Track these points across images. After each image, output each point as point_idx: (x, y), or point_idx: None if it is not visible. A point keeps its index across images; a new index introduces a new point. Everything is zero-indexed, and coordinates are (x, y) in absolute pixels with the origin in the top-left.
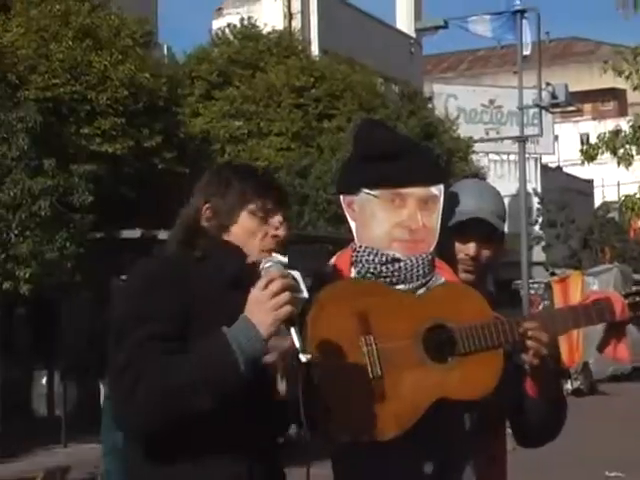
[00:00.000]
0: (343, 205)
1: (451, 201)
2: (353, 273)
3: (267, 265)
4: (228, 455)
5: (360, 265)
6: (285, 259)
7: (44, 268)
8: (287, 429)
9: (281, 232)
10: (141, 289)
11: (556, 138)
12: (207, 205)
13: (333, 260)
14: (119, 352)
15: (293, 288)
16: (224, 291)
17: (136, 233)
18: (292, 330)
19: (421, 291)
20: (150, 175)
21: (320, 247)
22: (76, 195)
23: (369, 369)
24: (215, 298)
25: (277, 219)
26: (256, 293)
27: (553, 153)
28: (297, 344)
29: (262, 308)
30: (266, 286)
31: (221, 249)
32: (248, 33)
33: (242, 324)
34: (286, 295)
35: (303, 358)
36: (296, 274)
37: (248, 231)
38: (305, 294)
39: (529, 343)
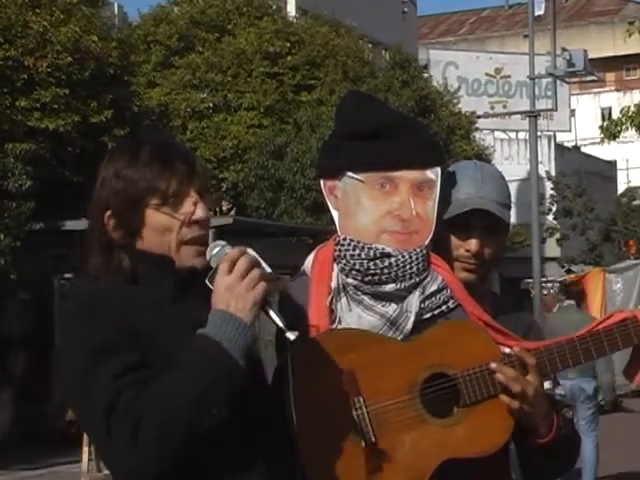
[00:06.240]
0: (324, 191)
1: (448, 187)
2: (336, 270)
3: (216, 251)
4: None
5: (344, 261)
6: (224, 242)
7: None
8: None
9: (200, 214)
10: (88, 322)
11: (573, 113)
12: (108, 213)
13: (312, 256)
14: (91, 398)
15: (258, 263)
16: (167, 310)
17: (82, 224)
18: (270, 311)
19: (415, 295)
20: (98, 155)
21: (297, 240)
22: (11, 179)
23: (361, 436)
24: (162, 320)
25: (190, 201)
26: (223, 280)
27: (569, 130)
28: (280, 324)
29: (236, 293)
30: (230, 269)
31: (146, 265)
32: None
33: (220, 318)
34: (257, 271)
35: (291, 336)
36: (250, 251)
37: (161, 229)
38: (268, 269)
39: (511, 385)
